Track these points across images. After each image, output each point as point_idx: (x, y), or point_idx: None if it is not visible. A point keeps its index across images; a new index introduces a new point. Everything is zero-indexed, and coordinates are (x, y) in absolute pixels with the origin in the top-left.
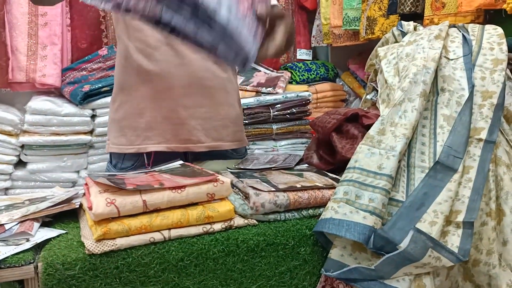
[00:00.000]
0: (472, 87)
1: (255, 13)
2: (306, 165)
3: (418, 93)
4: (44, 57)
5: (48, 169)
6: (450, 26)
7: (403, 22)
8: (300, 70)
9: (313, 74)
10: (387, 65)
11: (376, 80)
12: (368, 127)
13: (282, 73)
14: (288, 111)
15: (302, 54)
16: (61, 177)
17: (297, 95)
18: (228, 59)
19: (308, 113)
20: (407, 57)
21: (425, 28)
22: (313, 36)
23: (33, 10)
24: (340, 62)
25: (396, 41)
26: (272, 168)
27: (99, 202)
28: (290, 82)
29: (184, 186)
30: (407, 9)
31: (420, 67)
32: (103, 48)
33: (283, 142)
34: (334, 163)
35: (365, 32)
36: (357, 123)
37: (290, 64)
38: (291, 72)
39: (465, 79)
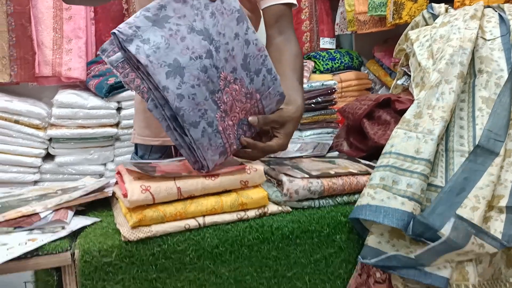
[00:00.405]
0: (511, 67)
1: (244, 122)
2: (337, 152)
3: (456, 75)
4: (69, 50)
5: (76, 161)
6: (485, 6)
7: (433, 4)
8: (324, 59)
9: (337, 63)
10: (420, 48)
11: (407, 65)
12: (401, 112)
13: (306, 62)
14: (313, 101)
15: (326, 43)
16: (88, 170)
17: (322, 84)
18: (188, 160)
19: (333, 102)
20: (441, 39)
21: (459, 9)
22: (337, 24)
23: (57, 4)
24: (365, 50)
25: (427, 24)
26: (303, 156)
27: (134, 189)
28: (313, 72)
29: (217, 175)
30: None
31: (457, 48)
32: None
33: (308, 132)
34: (366, 150)
35: (392, 17)
36: (389, 109)
37: (313, 53)
38: (315, 62)
39: (504, 59)
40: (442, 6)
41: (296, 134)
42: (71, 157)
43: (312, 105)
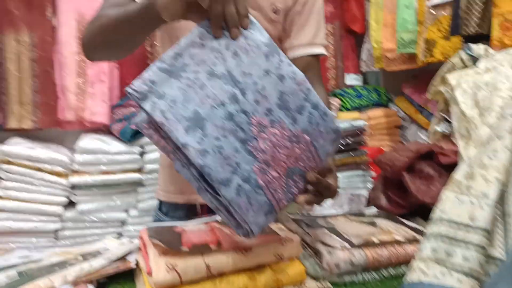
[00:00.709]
0: None
1: (294, 175)
2: (375, 208)
3: (508, 129)
4: (93, 95)
5: (98, 209)
6: None
7: (471, 45)
8: (351, 97)
9: (365, 100)
10: (463, 96)
11: (447, 110)
12: (446, 166)
13: (332, 100)
14: (342, 142)
15: (351, 79)
16: (111, 217)
17: (351, 125)
18: (230, 225)
19: (363, 143)
20: (487, 87)
21: (502, 52)
22: (363, 61)
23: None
24: (393, 86)
25: (465, 66)
26: (339, 214)
27: (160, 267)
28: (340, 110)
29: (250, 248)
30: (472, 30)
31: (507, 99)
32: None
33: (338, 176)
34: (408, 207)
35: (424, 56)
36: (432, 161)
37: (339, 90)
38: (341, 99)
39: None
40: (481, 47)
41: None
42: (93, 204)
43: (341, 146)
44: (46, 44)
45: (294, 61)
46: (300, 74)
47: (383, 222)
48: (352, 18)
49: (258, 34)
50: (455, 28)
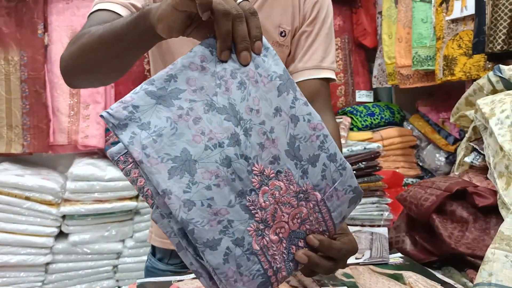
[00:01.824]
0: None
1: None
2: (399, 254)
3: None
4: (87, 116)
5: (91, 240)
6: None
7: (501, 66)
8: (362, 115)
9: (377, 118)
10: (499, 127)
11: (476, 139)
12: (482, 208)
13: (341, 118)
14: (355, 167)
15: (362, 96)
16: (105, 249)
17: (364, 148)
18: None
19: (378, 168)
20: None
21: None
22: (375, 76)
23: None
24: (407, 103)
25: (494, 89)
26: (360, 264)
27: None
28: (351, 129)
29: None
30: (498, 47)
31: None
32: None
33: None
34: (438, 254)
35: (443, 73)
36: (465, 201)
37: (349, 108)
38: (352, 117)
39: None
40: None
41: None
42: (86, 235)
43: (354, 171)
44: (37, 63)
45: (299, 86)
46: (317, 117)
47: (412, 277)
48: (363, 31)
49: (272, 63)
50: (479, 46)
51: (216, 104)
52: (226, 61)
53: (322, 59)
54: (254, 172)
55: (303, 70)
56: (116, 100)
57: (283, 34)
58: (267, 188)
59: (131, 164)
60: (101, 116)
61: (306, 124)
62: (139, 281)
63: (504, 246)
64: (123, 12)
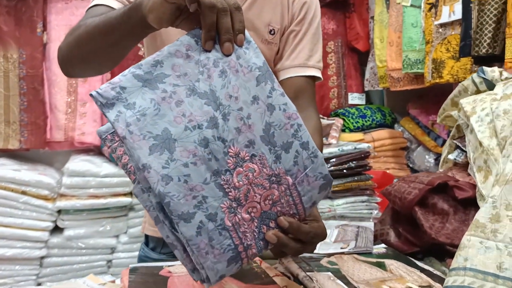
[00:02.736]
0: None
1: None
2: (383, 245)
3: None
4: (83, 114)
5: (86, 235)
6: None
7: (485, 68)
8: (354, 117)
9: (368, 120)
10: (479, 124)
11: (459, 137)
12: (462, 201)
13: (334, 120)
14: (345, 166)
15: (354, 98)
16: (99, 244)
17: (355, 148)
18: (185, 266)
19: (367, 167)
20: (505, 115)
21: None
22: (367, 79)
23: None
24: (398, 106)
25: (478, 89)
26: (345, 253)
27: None
28: (343, 130)
29: None
30: (483, 50)
31: None
32: None
33: (341, 201)
34: (420, 245)
35: (431, 76)
36: (446, 195)
37: (341, 110)
38: (344, 119)
39: None
40: (496, 70)
41: (327, 203)
42: (81, 230)
43: (344, 170)
44: (36, 61)
45: (285, 82)
46: (292, 107)
47: (393, 264)
48: (356, 36)
49: (252, 55)
50: (466, 49)
51: (198, 90)
52: (209, 51)
53: (308, 57)
54: (229, 153)
55: (289, 67)
56: None
57: (272, 32)
58: (241, 169)
59: (117, 143)
60: (91, 95)
61: (282, 113)
62: (132, 265)
63: (479, 233)
64: (119, 6)
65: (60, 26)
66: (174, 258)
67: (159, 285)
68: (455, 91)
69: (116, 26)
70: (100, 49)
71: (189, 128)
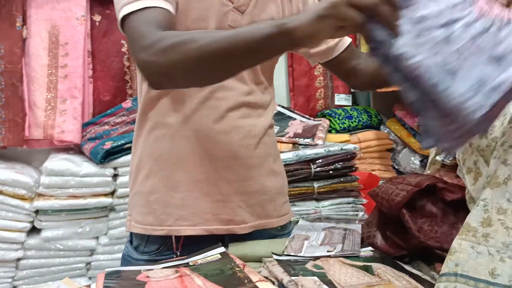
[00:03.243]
0: None
1: None
2: (370, 248)
3: None
4: (63, 111)
5: (64, 236)
6: None
7: None
8: (340, 118)
9: (355, 121)
10: None
11: None
12: (451, 203)
13: (320, 121)
14: (332, 167)
15: (341, 99)
16: (78, 245)
17: (341, 148)
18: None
19: (354, 168)
20: None
21: None
22: None
23: (53, 62)
24: (384, 107)
25: None
26: (331, 256)
27: None
28: (329, 131)
29: None
30: None
31: None
32: (127, 100)
33: (326, 203)
34: (408, 249)
35: None
36: (434, 197)
37: (328, 110)
38: (330, 120)
39: None
40: None
41: (313, 204)
42: (59, 231)
43: (330, 172)
44: (15, 56)
45: (340, 57)
46: None
47: (381, 268)
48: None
49: None
50: None
51: None
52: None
53: None
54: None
55: (336, 46)
56: (94, 95)
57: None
58: None
59: None
60: None
61: None
62: (108, 269)
63: (471, 237)
64: (170, 7)
65: (40, 21)
66: (156, 257)
67: None
68: None
69: (256, 51)
70: (228, 67)
71: None
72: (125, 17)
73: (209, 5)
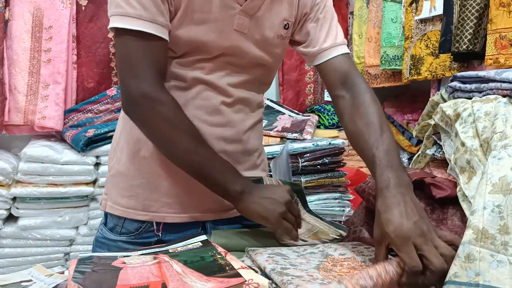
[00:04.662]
0: None
1: None
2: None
3: None
4: (45, 97)
5: (42, 225)
6: None
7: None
8: (329, 113)
9: None
10: (463, 126)
11: (436, 133)
12: (440, 200)
13: (309, 116)
14: (319, 161)
15: None
16: (57, 235)
17: (330, 143)
18: None
19: (341, 163)
20: (486, 116)
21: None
22: None
23: (36, 46)
24: None
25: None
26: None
27: None
28: (317, 127)
29: None
30: (464, 47)
31: None
32: (112, 88)
33: (313, 198)
34: None
35: (409, 73)
36: (422, 192)
37: (317, 106)
38: (319, 115)
39: None
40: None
41: None
42: (37, 219)
43: (318, 166)
44: None
45: (327, 65)
46: None
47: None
48: None
49: None
50: (446, 45)
51: None
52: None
53: (335, 36)
54: None
55: (324, 50)
56: (78, 81)
57: (286, 26)
58: None
59: None
60: None
61: None
62: (81, 255)
63: (489, 245)
64: (165, 35)
65: (23, 3)
66: (133, 239)
67: (109, 276)
68: (427, 107)
69: (215, 186)
70: (184, 169)
71: None
72: (119, 29)
73: (211, 6)
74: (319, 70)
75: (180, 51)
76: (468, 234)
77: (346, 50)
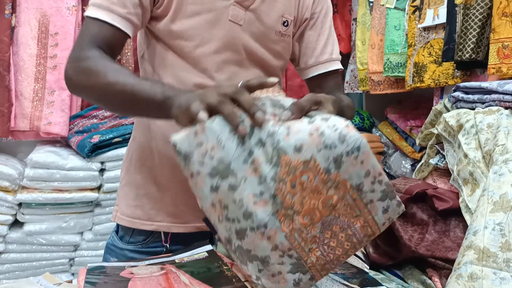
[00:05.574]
0: None
1: None
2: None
3: None
4: (51, 103)
5: (48, 230)
6: None
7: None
8: None
9: None
10: (465, 137)
11: (439, 142)
12: (443, 212)
13: None
14: None
15: None
16: (62, 240)
17: None
18: None
19: None
20: (489, 128)
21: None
22: (347, 82)
23: (42, 52)
24: (376, 110)
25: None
26: None
27: None
28: None
29: None
30: (467, 55)
31: None
32: None
33: None
34: (398, 257)
35: (412, 80)
36: (425, 204)
37: None
38: None
39: None
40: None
41: None
42: (42, 225)
43: None
44: (2, 44)
45: (316, 80)
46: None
47: None
48: (338, 37)
49: None
50: (449, 53)
51: None
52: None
53: (331, 51)
54: None
55: (318, 64)
56: None
57: (285, 23)
58: None
59: None
60: None
61: None
62: (90, 265)
63: (491, 263)
64: (125, 27)
65: (30, 9)
66: (140, 248)
67: (118, 287)
68: (430, 116)
69: (140, 107)
70: (117, 109)
71: None
72: (88, 17)
73: None
74: (308, 81)
75: (178, 47)
76: (470, 255)
77: (334, 67)
